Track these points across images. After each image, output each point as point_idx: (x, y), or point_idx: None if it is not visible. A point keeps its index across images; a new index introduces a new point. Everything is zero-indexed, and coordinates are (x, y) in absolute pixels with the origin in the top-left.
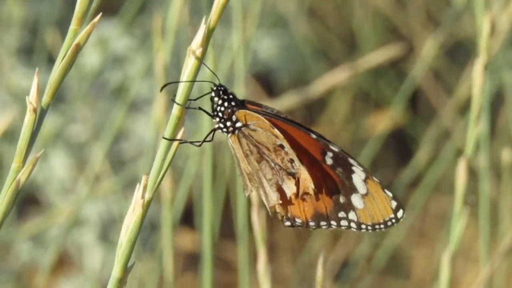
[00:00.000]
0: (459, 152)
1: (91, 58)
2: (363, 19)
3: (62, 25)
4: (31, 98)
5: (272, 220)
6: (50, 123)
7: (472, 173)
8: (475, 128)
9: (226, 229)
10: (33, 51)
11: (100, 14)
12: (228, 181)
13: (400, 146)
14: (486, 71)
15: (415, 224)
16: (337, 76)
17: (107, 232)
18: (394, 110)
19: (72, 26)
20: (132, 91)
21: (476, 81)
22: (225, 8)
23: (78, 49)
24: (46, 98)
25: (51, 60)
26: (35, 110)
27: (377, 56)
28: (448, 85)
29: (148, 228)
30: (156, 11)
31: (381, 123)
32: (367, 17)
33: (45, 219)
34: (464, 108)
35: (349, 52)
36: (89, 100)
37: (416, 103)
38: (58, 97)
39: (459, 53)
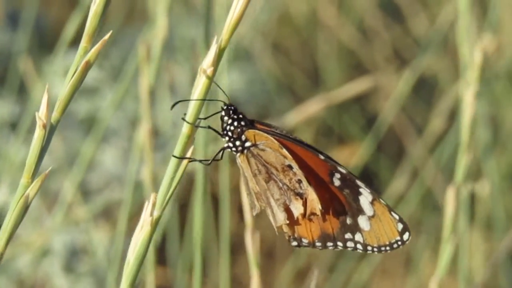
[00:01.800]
0: (427, 191)
1: (60, 88)
2: (328, 55)
3: (34, 54)
4: (41, 114)
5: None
6: (17, 152)
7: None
8: (465, 156)
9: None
10: (5, 81)
11: (111, 31)
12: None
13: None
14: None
15: (378, 262)
16: (308, 109)
17: (73, 262)
18: (361, 147)
19: (83, 43)
20: (103, 123)
21: (467, 110)
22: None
23: (88, 66)
24: (55, 114)
25: (22, 89)
26: (44, 126)
27: (345, 91)
28: (414, 121)
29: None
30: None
31: (345, 158)
32: (331, 52)
33: (12, 248)
34: (433, 145)
35: (313, 87)
36: (58, 130)
37: (381, 139)
38: (28, 127)
39: (423, 89)
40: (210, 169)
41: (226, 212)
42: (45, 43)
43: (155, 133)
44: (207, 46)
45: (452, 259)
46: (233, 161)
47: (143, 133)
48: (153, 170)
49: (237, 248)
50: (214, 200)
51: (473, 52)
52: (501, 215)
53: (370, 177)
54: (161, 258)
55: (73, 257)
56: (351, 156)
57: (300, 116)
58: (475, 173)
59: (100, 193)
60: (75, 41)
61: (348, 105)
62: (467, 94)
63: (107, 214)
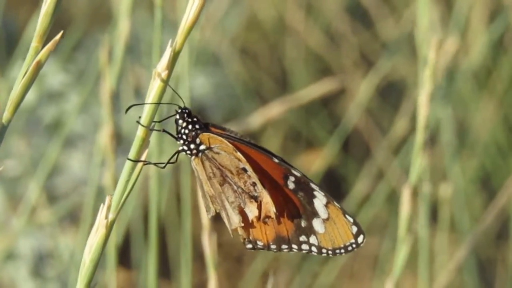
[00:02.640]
0: (392, 192)
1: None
2: (295, 59)
3: (1, 58)
4: None
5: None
6: None
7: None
8: (420, 157)
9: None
10: None
11: (62, 32)
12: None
13: (331, 186)
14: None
15: (346, 265)
16: (271, 111)
17: (40, 267)
18: (327, 150)
19: (34, 43)
20: (67, 127)
21: (422, 110)
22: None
23: (39, 66)
24: (7, 114)
25: None
26: None
27: (310, 92)
28: (381, 125)
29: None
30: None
31: (313, 162)
32: (299, 57)
33: None
34: (398, 148)
35: (281, 91)
36: (24, 134)
37: (349, 142)
38: None
39: (390, 93)
40: (173, 169)
41: (188, 214)
42: (12, 47)
43: (119, 137)
44: (161, 51)
45: (414, 260)
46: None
47: (105, 137)
48: (114, 173)
49: (199, 255)
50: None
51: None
52: (465, 218)
53: (337, 179)
54: (126, 261)
55: (40, 261)
56: (318, 160)
57: (264, 118)
58: (440, 176)
59: (67, 197)
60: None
61: (316, 110)
62: (422, 94)
63: (74, 218)
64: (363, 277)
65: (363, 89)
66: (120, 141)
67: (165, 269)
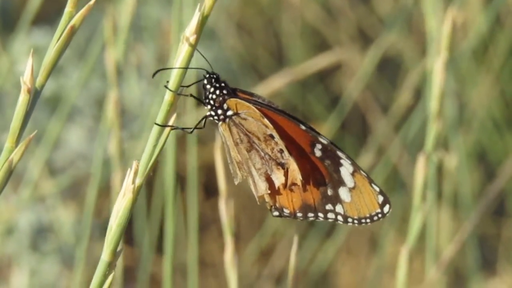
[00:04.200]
0: (393, 170)
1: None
2: (292, 34)
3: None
4: (26, 79)
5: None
6: None
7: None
8: (435, 124)
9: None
10: None
11: None
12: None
13: None
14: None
15: (344, 241)
16: (270, 85)
17: (39, 241)
18: (326, 126)
19: (68, 8)
20: (68, 102)
21: (437, 77)
22: None
23: (74, 31)
24: (40, 79)
25: None
26: (29, 91)
27: (308, 66)
28: (379, 100)
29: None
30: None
31: None
32: (296, 31)
33: None
34: (398, 124)
35: (277, 66)
36: None
37: (347, 117)
38: None
39: (387, 68)
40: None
41: (194, 191)
42: (10, 23)
43: (122, 112)
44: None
45: (420, 234)
46: (200, 141)
47: (111, 107)
48: (120, 144)
49: (201, 227)
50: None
51: (439, 25)
52: (468, 191)
53: None
54: (128, 238)
55: (39, 235)
56: None
57: (265, 90)
58: (442, 148)
59: (65, 171)
60: (37, 20)
61: (313, 84)
62: (437, 63)
63: (72, 193)
64: (360, 253)
65: (361, 65)
66: (122, 115)
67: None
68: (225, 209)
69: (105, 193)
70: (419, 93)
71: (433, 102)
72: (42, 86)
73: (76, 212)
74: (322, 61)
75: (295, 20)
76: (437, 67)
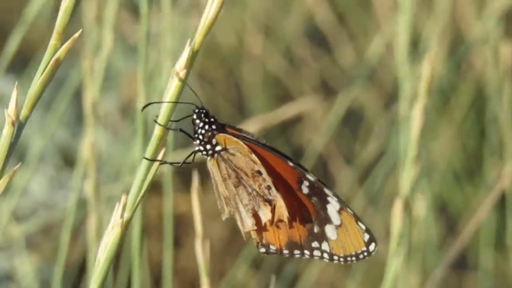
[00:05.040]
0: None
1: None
2: (254, 84)
3: None
4: (10, 111)
5: None
6: None
7: None
8: (413, 168)
9: None
10: None
11: (81, 30)
12: None
13: None
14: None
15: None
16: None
17: None
18: None
19: (52, 41)
20: (30, 150)
21: (416, 121)
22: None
23: (58, 64)
24: (25, 111)
25: None
26: (13, 123)
27: (271, 117)
28: (341, 151)
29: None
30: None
31: None
32: (258, 82)
33: None
34: (362, 176)
35: (239, 117)
36: None
37: (311, 169)
38: None
39: (349, 119)
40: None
41: (170, 241)
42: None
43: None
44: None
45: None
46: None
47: (86, 148)
48: (97, 186)
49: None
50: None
51: (409, 72)
52: (433, 242)
53: None
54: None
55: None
56: None
57: None
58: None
59: (28, 219)
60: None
61: (275, 136)
62: (416, 107)
63: (35, 241)
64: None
65: (325, 117)
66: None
67: None
68: (201, 251)
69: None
70: (383, 145)
71: (411, 145)
72: (27, 118)
73: (38, 260)
74: (285, 112)
75: (256, 71)
76: (415, 111)
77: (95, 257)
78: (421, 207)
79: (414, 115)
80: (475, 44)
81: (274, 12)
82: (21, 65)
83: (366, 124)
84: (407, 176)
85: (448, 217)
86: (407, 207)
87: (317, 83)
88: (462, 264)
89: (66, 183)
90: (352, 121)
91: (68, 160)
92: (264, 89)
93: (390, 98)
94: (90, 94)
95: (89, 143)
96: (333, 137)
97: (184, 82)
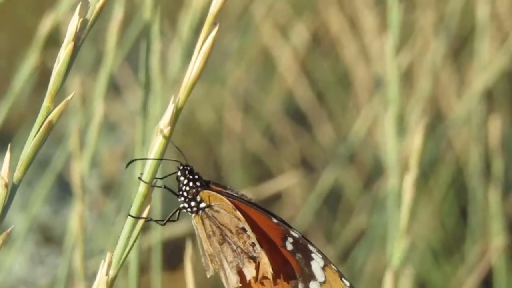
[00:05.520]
0: None
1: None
2: (233, 163)
3: None
4: (3, 174)
5: None
6: None
7: None
8: (403, 240)
9: None
10: None
11: (74, 92)
12: None
13: None
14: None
15: None
16: None
17: None
18: None
19: (45, 103)
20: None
21: (407, 193)
22: None
23: (51, 126)
24: (17, 174)
25: None
26: (6, 186)
27: (252, 194)
28: (323, 230)
29: None
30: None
31: None
32: (236, 160)
33: None
34: (342, 255)
35: None
36: None
37: None
38: None
39: (329, 198)
40: None
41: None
42: None
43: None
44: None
45: None
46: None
47: (75, 221)
48: (84, 260)
49: None
50: None
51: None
52: None
53: None
54: None
55: None
56: None
57: None
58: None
59: None
60: None
61: None
62: (406, 180)
63: None
64: None
65: (304, 195)
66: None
67: None
68: None
69: None
70: (364, 224)
71: (402, 217)
72: (20, 180)
73: None
74: (265, 189)
75: (236, 149)
76: (406, 184)
77: None
78: (407, 282)
79: (405, 186)
80: (456, 122)
81: (254, 89)
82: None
83: (346, 203)
84: (397, 247)
85: None
86: (397, 279)
87: (297, 161)
88: None
89: (46, 259)
90: (332, 199)
91: (48, 237)
92: (244, 167)
93: (369, 177)
94: (79, 166)
95: (78, 214)
96: (313, 215)
97: (168, 139)
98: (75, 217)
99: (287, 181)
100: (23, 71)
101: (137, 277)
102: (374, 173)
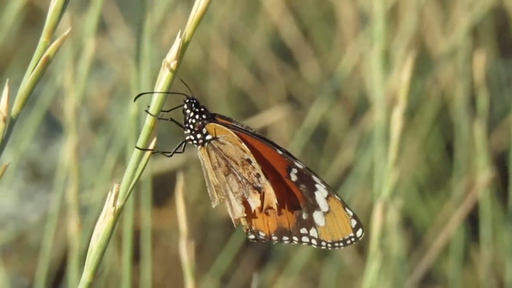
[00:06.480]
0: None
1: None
2: (219, 98)
3: None
4: (1, 108)
5: None
6: None
7: None
8: (393, 172)
9: None
10: None
11: (70, 28)
12: None
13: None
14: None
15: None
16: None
17: None
18: None
19: (42, 38)
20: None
21: (396, 125)
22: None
23: (48, 61)
24: (16, 108)
25: None
26: (5, 120)
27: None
28: (309, 166)
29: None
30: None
31: None
32: (223, 97)
33: None
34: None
35: None
36: None
37: None
38: None
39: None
40: None
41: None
42: None
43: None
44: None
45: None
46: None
47: (70, 155)
48: (78, 190)
49: None
50: None
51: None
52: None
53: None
54: None
55: None
56: None
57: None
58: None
59: None
60: None
61: None
62: (395, 111)
63: (3, 254)
64: None
65: (289, 130)
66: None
67: None
68: (186, 250)
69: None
70: (351, 160)
71: (391, 147)
72: (17, 114)
73: (9, 272)
74: (252, 124)
75: (222, 85)
76: (395, 115)
77: (77, 256)
78: (395, 213)
79: (394, 119)
80: (442, 58)
81: (240, 26)
82: None
83: (332, 139)
84: (386, 178)
85: (413, 231)
86: (386, 210)
87: (283, 97)
88: (428, 279)
89: (35, 196)
90: (318, 135)
91: (36, 173)
92: (230, 103)
93: (355, 113)
94: (72, 100)
95: (72, 148)
96: (300, 151)
97: (175, 73)
98: (69, 151)
99: (274, 116)
100: (12, 8)
101: (132, 211)
102: (360, 109)
